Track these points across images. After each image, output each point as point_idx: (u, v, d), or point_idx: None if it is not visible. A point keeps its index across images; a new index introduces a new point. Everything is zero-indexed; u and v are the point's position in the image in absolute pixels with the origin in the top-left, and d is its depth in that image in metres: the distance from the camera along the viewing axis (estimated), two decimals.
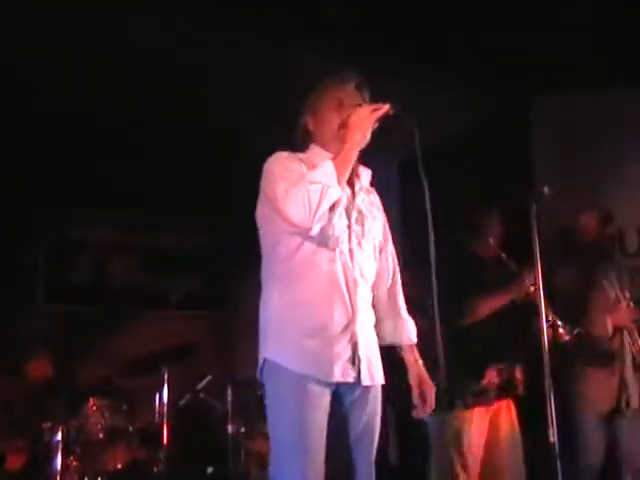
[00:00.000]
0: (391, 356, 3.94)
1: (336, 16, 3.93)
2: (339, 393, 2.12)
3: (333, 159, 2.10)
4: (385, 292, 2.32)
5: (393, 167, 5.80)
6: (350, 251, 2.17)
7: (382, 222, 2.33)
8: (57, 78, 4.39)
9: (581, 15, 3.88)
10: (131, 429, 3.92)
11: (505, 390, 3.10)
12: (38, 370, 4.26)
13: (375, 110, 2.12)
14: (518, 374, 3.12)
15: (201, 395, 4.14)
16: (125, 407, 3.96)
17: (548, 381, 2.39)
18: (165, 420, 3.86)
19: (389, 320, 2.31)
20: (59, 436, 3.61)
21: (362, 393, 2.15)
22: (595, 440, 3.30)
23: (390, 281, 2.33)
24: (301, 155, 2.24)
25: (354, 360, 2.10)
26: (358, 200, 2.24)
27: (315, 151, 2.25)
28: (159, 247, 5.43)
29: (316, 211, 2.02)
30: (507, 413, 3.15)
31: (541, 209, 2.79)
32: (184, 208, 5.14)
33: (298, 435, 2.02)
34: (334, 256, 2.13)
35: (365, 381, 2.12)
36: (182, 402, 4.12)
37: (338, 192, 2.07)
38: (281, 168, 2.15)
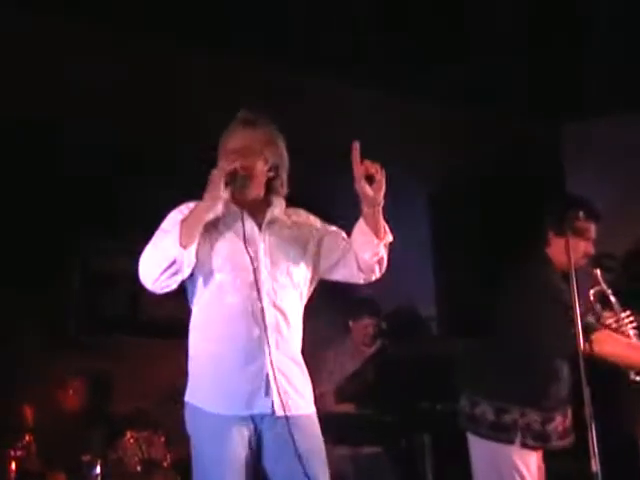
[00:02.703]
0: (420, 381, 3.94)
1: (364, 44, 3.99)
2: (259, 427, 2.14)
3: (182, 220, 2.14)
4: (349, 263, 2.30)
5: (422, 198, 5.82)
6: (257, 283, 2.18)
7: (303, 244, 2.31)
8: (89, 111, 4.49)
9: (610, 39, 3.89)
10: (168, 461, 3.94)
11: (563, 437, 2.93)
12: (74, 402, 4.31)
13: (221, 169, 2.18)
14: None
15: None
16: (162, 439, 3.98)
17: (589, 410, 2.36)
18: None
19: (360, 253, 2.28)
20: (98, 469, 3.65)
21: (276, 424, 2.14)
22: None
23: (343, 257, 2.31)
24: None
25: (267, 392, 2.13)
26: (264, 232, 2.26)
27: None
28: None
29: (153, 273, 2.12)
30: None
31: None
32: None
33: (218, 474, 2.07)
34: (239, 291, 2.17)
35: (279, 411, 2.13)
36: None
37: (174, 255, 2.09)
38: (166, 221, 2.25)
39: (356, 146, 2.16)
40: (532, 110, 4.48)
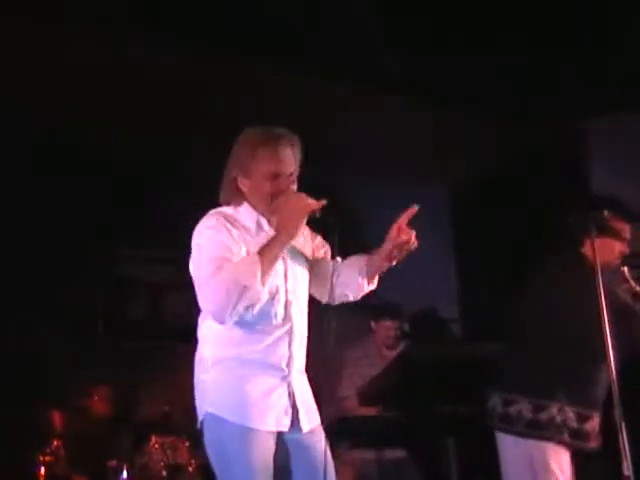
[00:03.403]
0: (443, 384, 3.91)
1: (383, 52, 3.99)
2: (283, 439, 2.20)
3: (261, 251, 2.10)
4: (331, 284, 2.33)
5: (444, 196, 5.80)
6: (286, 304, 2.22)
7: (306, 259, 2.35)
8: (120, 121, 4.53)
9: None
10: (193, 465, 3.95)
11: (598, 438, 2.89)
12: (101, 407, 4.34)
13: (309, 206, 2.14)
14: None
15: None
16: (187, 443, 4.00)
17: (618, 411, 2.33)
18: None
19: (348, 281, 2.33)
20: (124, 474, 3.67)
21: (300, 440, 2.22)
22: None
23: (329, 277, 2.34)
24: (230, 211, 2.25)
25: (292, 409, 2.20)
26: (287, 255, 2.27)
27: (245, 210, 2.26)
28: None
29: (231, 312, 2.07)
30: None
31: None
32: None
33: None
34: (270, 315, 2.19)
35: (305, 427, 2.22)
36: None
37: (258, 293, 2.08)
38: (209, 244, 2.16)
39: (413, 211, 2.20)
40: (553, 108, 4.44)
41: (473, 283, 5.46)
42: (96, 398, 4.35)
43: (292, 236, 2.15)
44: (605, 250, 2.80)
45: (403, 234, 2.19)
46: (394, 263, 2.25)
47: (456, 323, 5.39)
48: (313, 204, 2.14)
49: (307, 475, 2.21)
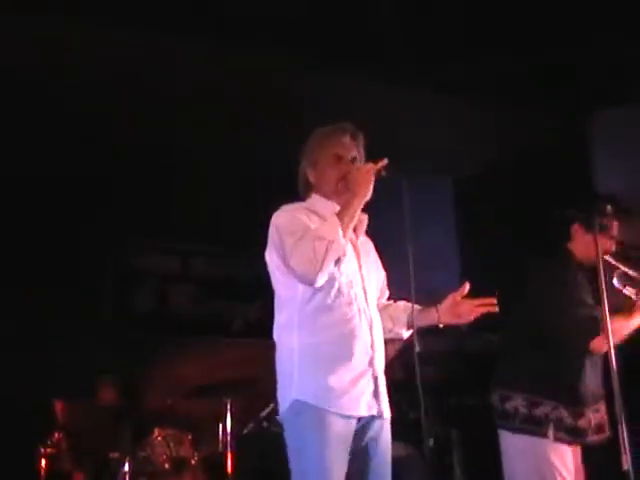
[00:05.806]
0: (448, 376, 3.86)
1: (388, 36, 3.97)
2: (359, 428, 2.23)
3: (338, 213, 2.23)
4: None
5: (447, 184, 5.78)
6: (364, 292, 2.32)
7: (377, 261, 2.51)
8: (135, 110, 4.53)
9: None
10: (196, 459, 3.94)
11: (599, 432, 2.88)
12: (106, 398, 4.34)
13: (372, 167, 2.27)
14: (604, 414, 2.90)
15: (264, 424, 4.13)
16: (190, 437, 3.99)
17: (619, 403, 2.30)
18: (229, 449, 3.86)
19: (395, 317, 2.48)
20: (126, 467, 3.66)
21: (380, 426, 2.27)
22: None
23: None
24: (305, 204, 2.39)
25: (376, 394, 2.25)
26: (359, 244, 2.40)
27: (319, 200, 2.39)
28: (221, 275, 5.50)
29: (321, 266, 2.14)
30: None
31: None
32: (246, 237, 5.18)
33: (323, 469, 2.13)
34: (351, 298, 2.27)
35: (385, 413, 2.27)
36: (245, 431, 4.12)
37: (342, 246, 2.17)
38: (288, 221, 2.28)
39: (466, 287, 2.39)
40: (558, 99, 4.41)
41: (477, 274, 5.42)
42: (100, 389, 4.34)
43: (364, 197, 2.24)
44: (591, 247, 2.76)
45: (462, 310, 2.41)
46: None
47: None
48: (375, 165, 2.25)
49: (375, 463, 2.25)
